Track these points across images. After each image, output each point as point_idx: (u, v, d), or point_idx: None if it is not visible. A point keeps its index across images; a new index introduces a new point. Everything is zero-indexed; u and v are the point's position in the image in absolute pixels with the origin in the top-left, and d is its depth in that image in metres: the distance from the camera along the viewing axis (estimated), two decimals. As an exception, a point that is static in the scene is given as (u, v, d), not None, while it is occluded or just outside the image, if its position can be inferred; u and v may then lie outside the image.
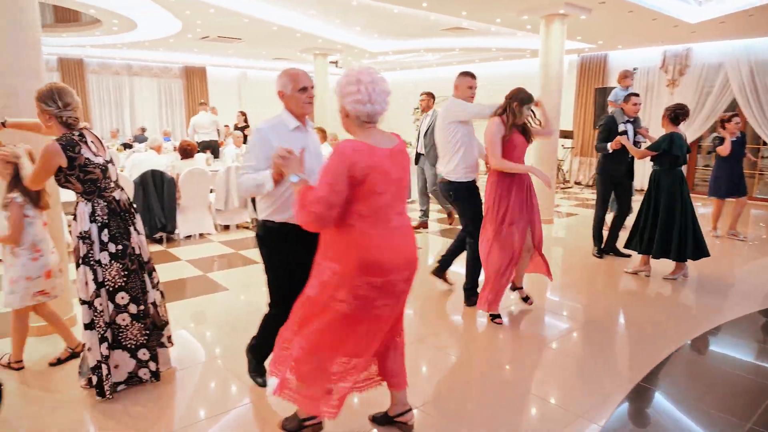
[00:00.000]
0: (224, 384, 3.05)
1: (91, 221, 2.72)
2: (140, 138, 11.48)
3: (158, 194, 6.12)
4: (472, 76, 4.02)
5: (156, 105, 15.82)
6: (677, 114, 4.77)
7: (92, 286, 2.71)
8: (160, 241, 6.35)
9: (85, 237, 2.71)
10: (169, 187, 6.17)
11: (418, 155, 6.92)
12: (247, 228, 7.24)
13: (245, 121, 11.35)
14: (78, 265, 2.74)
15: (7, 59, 3.32)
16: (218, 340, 3.67)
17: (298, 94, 2.54)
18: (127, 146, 10.93)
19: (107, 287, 2.76)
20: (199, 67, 15.99)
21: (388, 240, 2.08)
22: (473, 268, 4.16)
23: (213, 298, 4.48)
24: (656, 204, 4.84)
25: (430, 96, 6.90)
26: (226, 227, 7.13)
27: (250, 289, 4.70)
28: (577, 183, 12.30)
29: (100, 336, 2.74)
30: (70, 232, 2.93)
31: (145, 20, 9.34)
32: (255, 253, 5.89)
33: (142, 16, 9.01)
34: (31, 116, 3.39)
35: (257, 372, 2.99)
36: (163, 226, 6.18)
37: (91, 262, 2.71)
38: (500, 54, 12.77)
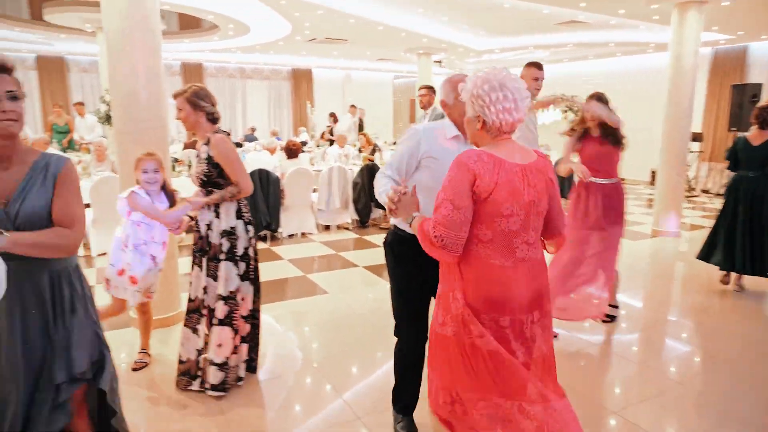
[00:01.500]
0: (319, 389, 2.92)
1: (238, 218, 2.86)
2: (250, 138, 11.99)
3: (264, 193, 6.25)
4: (538, 67, 3.60)
5: (265, 106, 16.56)
6: None
7: (236, 281, 2.84)
8: (264, 239, 6.49)
9: (231, 233, 2.83)
10: (275, 186, 6.28)
11: None
12: (347, 229, 7.21)
13: (335, 121, 11.46)
14: (218, 261, 2.82)
15: (130, 62, 3.44)
16: (316, 343, 3.57)
17: (461, 104, 2.31)
18: (238, 145, 11.45)
19: (251, 279, 2.93)
20: (305, 69, 16.49)
21: (512, 273, 1.74)
22: None
23: (313, 302, 4.43)
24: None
25: (431, 90, 5.91)
26: (327, 227, 7.15)
27: (349, 293, 4.60)
28: (705, 191, 11.01)
29: (234, 330, 2.85)
30: (195, 230, 2.93)
31: (257, 24, 9.71)
32: (355, 256, 5.82)
33: (254, 20, 9.36)
34: (150, 118, 3.52)
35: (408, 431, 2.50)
36: (267, 224, 6.30)
37: (236, 258, 2.83)
38: (618, 49, 11.77)
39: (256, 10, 8.44)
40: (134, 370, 3.15)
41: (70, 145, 9.77)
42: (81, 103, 10.65)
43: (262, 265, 3.12)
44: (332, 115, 11.57)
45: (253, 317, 3.02)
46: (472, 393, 1.76)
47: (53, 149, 7.44)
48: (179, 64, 15.11)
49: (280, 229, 6.52)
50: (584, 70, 13.87)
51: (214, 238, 2.85)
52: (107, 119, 8.80)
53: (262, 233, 6.43)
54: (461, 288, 1.77)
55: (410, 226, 1.88)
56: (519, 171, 1.72)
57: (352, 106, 12.41)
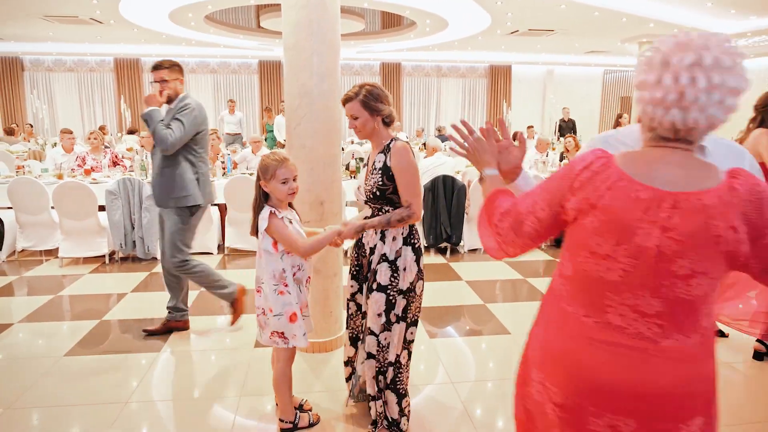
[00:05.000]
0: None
1: (406, 243, 2.35)
2: (442, 138, 11.58)
3: (447, 201, 5.65)
4: None
5: (459, 105, 16.09)
6: None
7: (389, 320, 2.35)
8: (443, 252, 5.89)
9: (394, 261, 2.34)
10: (459, 195, 5.63)
11: None
12: (538, 248, 6.23)
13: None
14: (372, 290, 2.33)
15: (305, 56, 3.07)
16: (481, 399, 2.81)
17: None
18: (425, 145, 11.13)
19: (408, 320, 2.39)
20: (504, 65, 15.58)
21: (597, 335, 1.16)
22: None
23: (491, 342, 3.66)
24: None
25: None
26: (515, 243, 6.26)
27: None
28: None
29: (378, 368, 2.38)
30: (362, 253, 2.46)
31: (455, 17, 9.17)
32: (544, 284, 4.85)
33: (453, 13, 8.83)
34: (322, 117, 3.14)
35: None
36: (448, 237, 5.69)
37: (395, 292, 2.33)
38: None
39: (455, 2, 7.89)
40: None
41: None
42: (283, 102, 11.42)
43: (437, 284, 2.50)
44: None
45: (398, 361, 2.40)
46: None
47: (265, 149, 7.83)
48: (379, 63, 15.47)
49: (461, 243, 5.86)
50: None
51: (375, 263, 2.34)
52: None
53: (441, 245, 5.85)
54: (532, 333, 1.32)
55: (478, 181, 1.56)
56: (650, 200, 1.10)
57: (565, 108, 11.23)
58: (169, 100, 3.40)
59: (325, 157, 3.15)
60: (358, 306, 2.54)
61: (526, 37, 10.73)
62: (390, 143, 2.34)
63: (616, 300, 1.15)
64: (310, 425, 2.59)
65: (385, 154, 2.33)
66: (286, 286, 2.37)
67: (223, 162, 6.45)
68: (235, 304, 3.69)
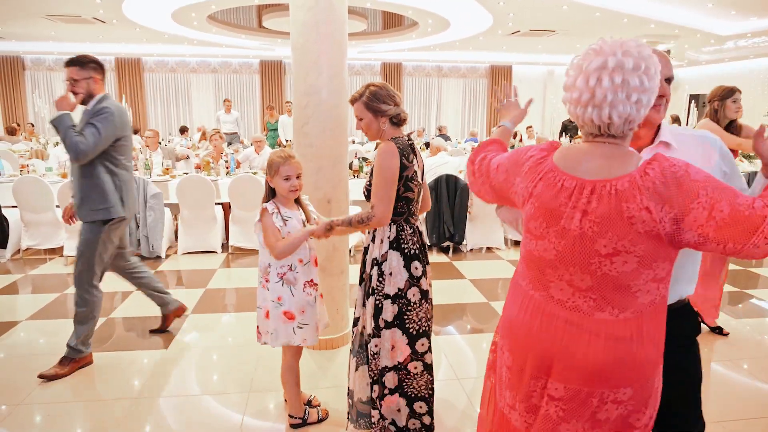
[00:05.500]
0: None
1: (393, 248, 2.26)
2: (444, 137, 11.61)
3: (450, 201, 5.68)
4: None
5: (460, 105, 16.12)
6: None
7: (379, 324, 2.27)
8: (446, 251, 5.93)
9: (380, 264, 2.27)
10: (462, 195, 5.66)
11: None
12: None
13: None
14: (369, 295, 2.30)
15: (312, 56, 3.10)
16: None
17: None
18: (428, 145, 11.16)
19: (410, 330, 2.27)
20: (505, 65, 15.61)
21: (538, 305, 1.34)
22: None
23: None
24: None
25: None
26: (517, 243, 6.30)
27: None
28: None
29: (372, 374, 2.31)
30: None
31: (457, 18, 9.20)
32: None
33: (455, 13, 8.86)
34: (329, 117, 3.17)
35: None
36: (451, 236, 5.72)
37: (382, 296, 2.26)
38: None
39: (457, 2, 7.92)
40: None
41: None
42: (289, 102, 11.41)
43: (441, 283, 2.50)
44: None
45: (405, 368, 2.30)
46: None
47: (268, 148, 7.84)
48: (380, 64, 15.49)
49: (464, 242, 5.89)
50: None
51: (368, 265, 2.32)
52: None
53: (444, 244, 5.88)
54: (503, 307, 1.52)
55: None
56: (570, 188, 1.26)
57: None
58: (84, 101, 3.03)
59: (332, 156, 3.17)
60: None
61: (527, 38, 10.76)
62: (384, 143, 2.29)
63: (555, 276, 1.31)
64: (319, 421, 2.62)
65: None
66: (267, 281, 2.42)
67: (227, 161, 6.48)
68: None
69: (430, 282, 2.36)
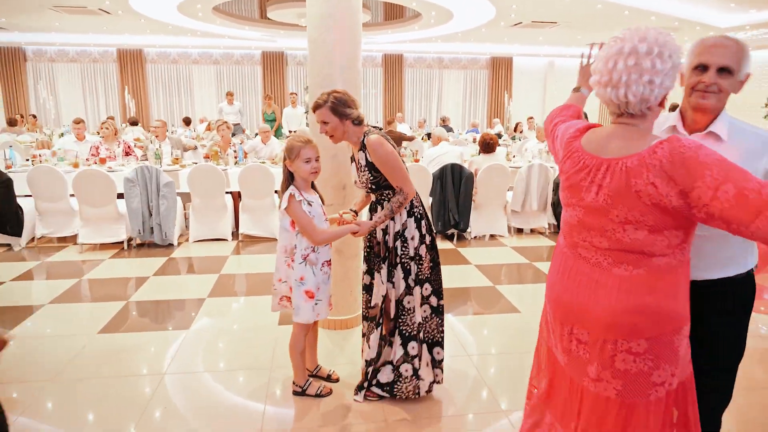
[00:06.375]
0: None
1: (409, 215, 2.58)
2: (446, 129, 11.71)
3: (455, 189, 5.81)
4: None
5: (461, 96, 16.20)
6: None
7: (403, 284, 2.59)
8: (451, 238, 6.07)
9: (402, 233, 2.57)
10: (467, 183, 5.80)
11: None
12: (542, 234, 6.42)
13: None
14: (394, 266, 2.57)
15: (327, 48, 3.22)
16: (494, 366, 3.00)
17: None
18: (429, 136, 11.27)
19: (429, 279, 2.64)
20: (505, 57, 15.69)
21: (568, 263, 1.56)
22: None
23: (503, 321, 3.84)
24: None
25: None
26: (520, 231, 6.45)
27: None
28: None
29: (402, 335, 2.63)
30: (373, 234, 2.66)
31: (460, 9, 9.28)
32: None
33: (457, 4, 8.94)
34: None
35: None
36: (456, 223, 5.86)
37: (407, 260, 2.58)
38: None
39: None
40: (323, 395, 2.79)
41: (277, 133, 10.59)
42: (294, 93, 11.50)
43: (447, 268, 2.72)
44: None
45: (440, 316, 2.70)
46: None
47: (274, 139, 7.92)
48: (381, 55, 15.54)
49: (468, 229, 6.03)
50: None
51: (391, 241, 2.58)
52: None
53: (449, 232, 6.02)
54: None
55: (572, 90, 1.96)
56: (590, 166, 1.45)
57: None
58: None
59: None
60: (366, 287, 2.73)
61: (529, 29, 10.84)
62: (364, 140, 2.53)
63: (580, 238, 1.52)
64: (318, 395, 2.77)
65: (364, 152, 2.53)
66: (293, 261, 2.59)
67: (235, 152, 6.59)
68: None
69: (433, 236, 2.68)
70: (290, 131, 10.29)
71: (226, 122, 7.39)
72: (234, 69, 15.73)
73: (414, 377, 2.61)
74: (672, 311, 1.42)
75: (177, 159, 6.54)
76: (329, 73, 3.23)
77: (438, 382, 2.72)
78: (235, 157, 6.52)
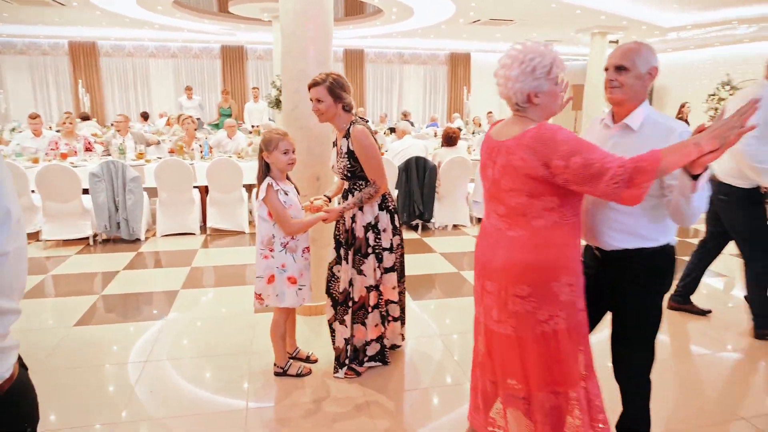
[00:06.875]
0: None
1: (381, 209, 2.77)
2: (408, 123, 11.92)
3: (419, 181, 6.03)
4: None
5: (421, 91, 16.45)
6: None
7: (379, 272, 2.81)
8: (415, 228, 6.30)
9: (374, 225, 2.75)
10: (431, 175, 6.02)
11: None
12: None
13: None
14: (365, 255, 2.75)
15: (301, 44, 3.36)
16: (460, 344, 3.22)
17: None
18: (392, 130, 11.45)
19: (397, 270, 2.89)
20: (464, 53, 16.03)
21: (483, 230, 1.96)
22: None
23: (468, 303, 4.08)
24: None
25: None
26: (480, 220, 6.73)
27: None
28: None
29: (381, 315, 2.89)
30: (341, 222, 2.86)
31: (421, 6, 9.50)
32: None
33: (419, 2, 9.15)
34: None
35: None
36: (420, 214, 6.09)
37: (382, 251, 2.79)
38: None
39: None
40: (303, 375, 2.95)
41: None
42: (256, 88, 11.45)
43: (413, 257, 2.98)
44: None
45: (399, 300, 3.01)
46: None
47: (240, 133, 7.90)
48: (342, 50, 15.61)
49: (432, 220, 6.27)
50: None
51: (359, 231, 2.75)
52: (277, 104, 9.30)
53: (413, 222, 6.25)
54: None
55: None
56: (491, 148, 1.84)
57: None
58: None
59: (320, 136, 3.45)
60: (333, 274, 2.94)
61: (487, 27, 11.18)
62: (350, 128, 2.67)
63: (491, 207, 1.88)
64: (298, 375, 2.94)
65: (347, 139, 2.67)
66: (272, 251, 2.72)
67: (201, 146, 6.60)
68: None
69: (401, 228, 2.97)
70: (252, 126, 10.26)
71: (190, 117, 7.36)
72: (192, 63, 15.48)
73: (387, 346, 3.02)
74: (546, 262, 1.76)
75: (141, 154, 6.49)
76: (303, 68, 3.37)
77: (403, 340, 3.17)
78: (201, 152, 6.54)
